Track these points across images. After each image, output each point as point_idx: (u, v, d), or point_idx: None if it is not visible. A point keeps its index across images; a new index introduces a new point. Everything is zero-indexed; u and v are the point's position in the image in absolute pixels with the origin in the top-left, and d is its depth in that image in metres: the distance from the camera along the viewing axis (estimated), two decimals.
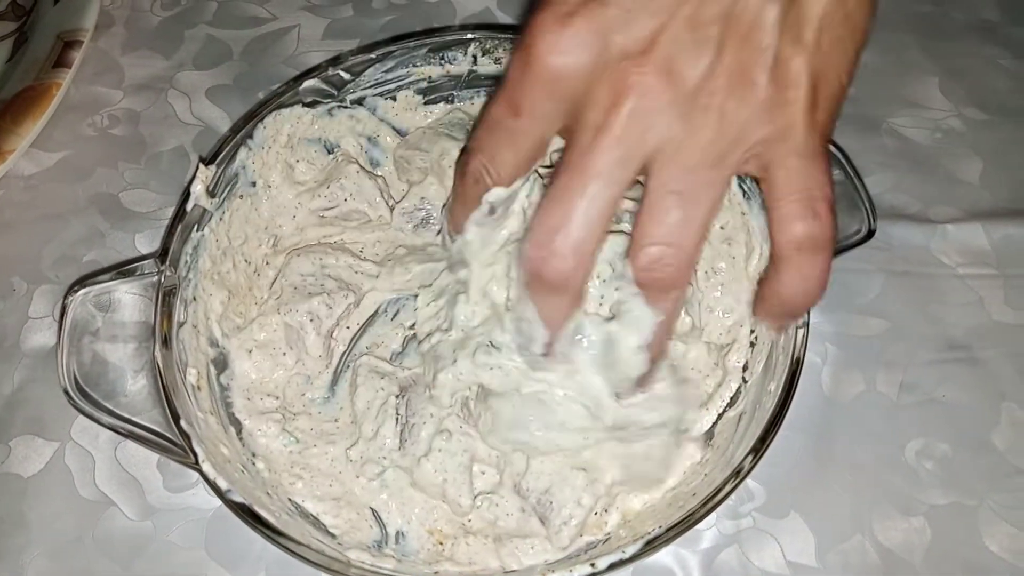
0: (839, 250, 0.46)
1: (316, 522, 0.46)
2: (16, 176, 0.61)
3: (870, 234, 0.47)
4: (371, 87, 0.55)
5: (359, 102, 0.55)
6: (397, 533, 0.46)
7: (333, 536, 0.45)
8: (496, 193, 0.39)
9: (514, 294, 0.40)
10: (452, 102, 0.57)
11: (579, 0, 0.33)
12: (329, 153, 0.56)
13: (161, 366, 0.43)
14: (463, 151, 0.41)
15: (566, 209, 0.34)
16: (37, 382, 0.53)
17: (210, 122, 0.64)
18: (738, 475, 0.39)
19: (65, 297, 0.44)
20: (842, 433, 0.51)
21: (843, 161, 0.48)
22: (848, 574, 0.47)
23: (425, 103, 0.57)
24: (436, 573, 0.44)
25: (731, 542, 0.48)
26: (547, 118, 0.35)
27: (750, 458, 0.40)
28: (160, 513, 0.49)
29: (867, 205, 0.47)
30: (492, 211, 0.40)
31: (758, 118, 0.33)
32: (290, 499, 0.46)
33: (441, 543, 0.46)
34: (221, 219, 0.50)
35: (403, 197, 0.54)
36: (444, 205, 0.47)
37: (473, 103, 0.57)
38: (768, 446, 0.40)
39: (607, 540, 0.45)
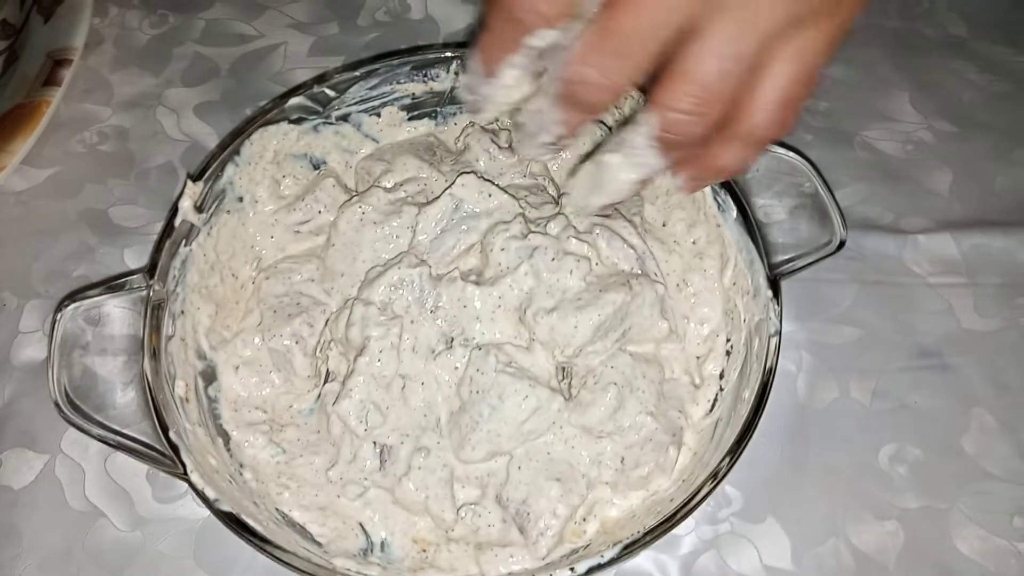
0: (812, 261, 0.48)
1: (303, 531, 0.47)
2: (7, 192, 0.62)
3: (841, 245, 0.48)
4: (356, 104, 0.56)
5: (344, 118, 0.56)
6: (382, 542, 0.47)
7: (319, 544, 0.46)
8: (545, 35, 0.35)
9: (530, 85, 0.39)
10: (435, 118, 0.59)
11: None
12: (315, 169, 0.57)
13: (150, 379, 0.44)
14: None
15: (603, 52, 0.34)
16: (27, 396, 0.54)
17: (198, 138, 0.65)
18: (715, 477, 0.40)
19: (55, 312, 0.45)
20: (817, 439, 0.53)
21: (814, 175, 0.50)
22: None
23: (409, 119, 0.58)
24: None
25: (709, 547, 0.49)
26: None
27: (727, 460, 0.41)
28: (149, 524, 0.50)
29: (838, 218, 0.48)
30: (538, 55, 0.37)
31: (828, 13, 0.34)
32: (277, 508, 0.47)
33: (424, 550, 0.47)
34: (209, 234, 0.51)
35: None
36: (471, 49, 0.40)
37: (456, 123, 0.58)
38: (744, 449, 0.41)
39: (587, 547, 0.46)
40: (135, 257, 0.59)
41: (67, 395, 0.44)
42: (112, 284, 0.46)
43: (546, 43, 0.36)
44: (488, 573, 0.45)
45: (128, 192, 0.63)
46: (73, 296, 0.46)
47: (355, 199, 0.52)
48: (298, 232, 0.55)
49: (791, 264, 0.48)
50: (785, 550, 0.49)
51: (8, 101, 0.62)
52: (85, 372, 0.46)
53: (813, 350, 0.55)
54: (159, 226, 0.60)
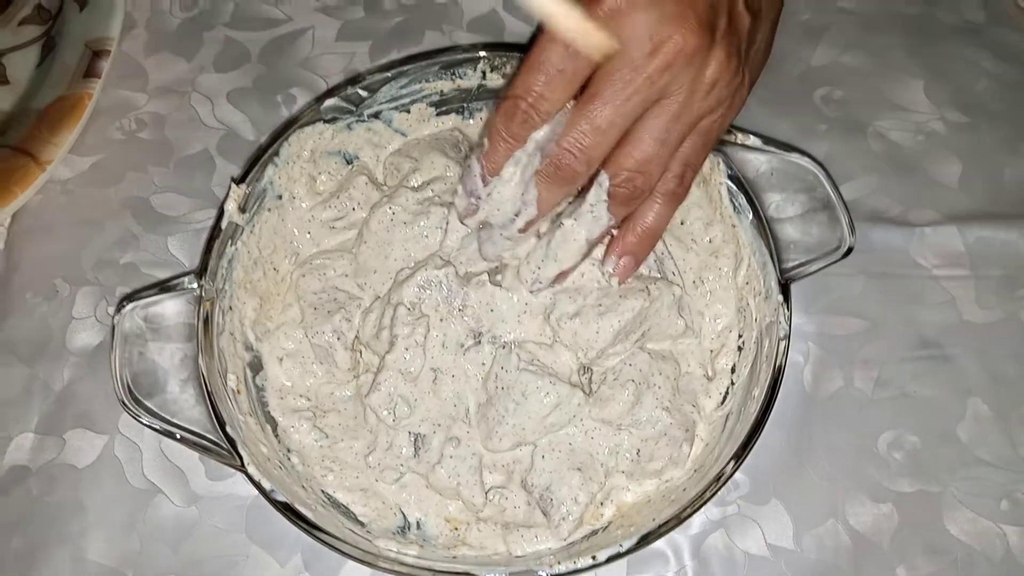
0: (821, 267, 0.51)
1: (346, 511, 0.51)
2: (54, 181, 0.64)
3: (849, 251, 0.51)
4: (387, 102, 0.58)
5: (376, 116, 0.59)
6: (417, 522, 0.52)
7: (362, 524, 0.51)
8: (543, 130, 0.44)
9: (519, 178, 0.47)
10: (462, 113, 0.61)
11: None
12: (348, 163, 0.60)
13: (206, 375, 0.48)
14: (503, 99, 0.45)
15: (598, 129, 0.43)
16: (84, 379, 0.58)
17: (232, 126, 0.67)
18: (719, 480, 0.44)
19: (114, 314, 0.49)
20: (821, 426, 0.56)
21: (826, 180, 0.52)
22: (822, 555, 0.53)
23: (437, 114, 0.60)
24: (455, 557, 0.49)
25: (718, 527, 0.53)
26: (594, 62, 0.42)
27: (732, 464, 0.45)
28: (204, 500, 0.55)
29: (847, 225, 0.51)
30: (533, 148, 0.45)
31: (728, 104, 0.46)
32: (323, 490, 0.51)
33: (456, 529, 0.52)
34: (252, 232, 0.55)
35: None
36: (469, 159, 0.49)
37: (481, 118, 0.61)
38: (748, 453, 0.45)
39: (606, 528, 0.50)
40: (178, 245, 0.62)
41: (131, 392, 0.48)
42: (166, 285, 0.50)
43: (541, 136, 0.45)
44: (514, 551, 0.50)
45: (168, 180, 0.65)
46: (131, 297, 0.49)
47: (385, 200, 0.55)
48: (333, 228, 0.58)
49: (801, 269, 0.51)
50: (788, 530, 0.53)
51: (51, 92, 0.64)
52: (145, 369, 0.49)
53: (820, 341, 0.59)
54: (199, 215, 0.64)
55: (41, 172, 0.61)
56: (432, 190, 0.56)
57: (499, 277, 0.53)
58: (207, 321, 0.50)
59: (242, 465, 0.46)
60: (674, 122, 0.44)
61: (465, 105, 0.61)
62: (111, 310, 0.60)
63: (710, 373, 0.54)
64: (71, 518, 0.54)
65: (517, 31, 0.71)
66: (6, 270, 0.62)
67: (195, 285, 0.50)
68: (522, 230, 0.49)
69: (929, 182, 0.65)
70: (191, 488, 0.55)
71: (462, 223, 0.50)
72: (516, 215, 0.48)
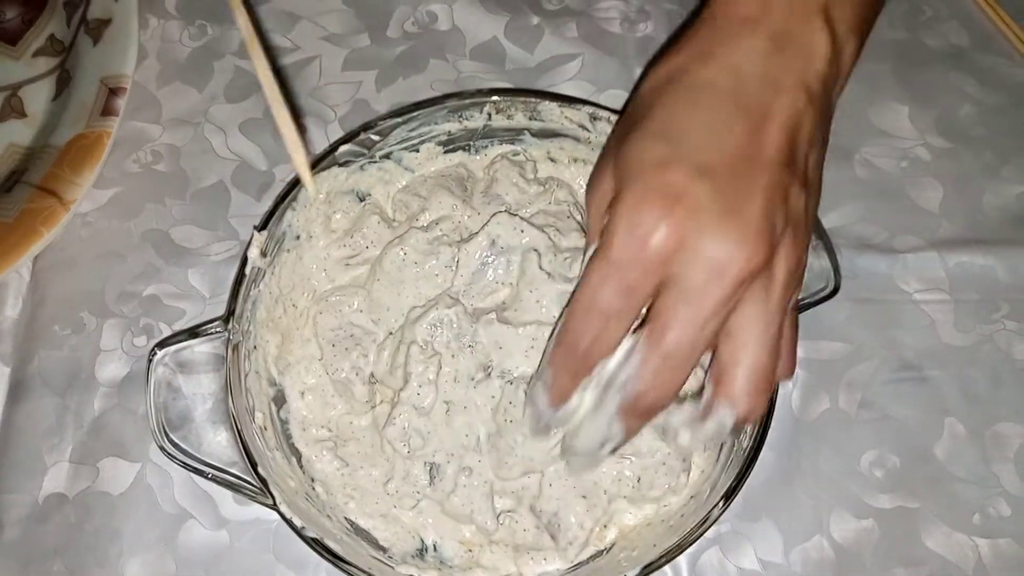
0: (809, 305, 0.55)
1: (368, 537, 0.55)
2: (76, 213, 0.67)
3: (835, 291, 0.54)
4: (398, 143, 0.61)
5: (387, 156, 0.62)
6: (434, 544, 0.56)
7: (384, 549, 0.55)
8: (610, 360, 0.43)
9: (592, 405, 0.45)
10: (468, 150, 0.64)
11: (680, 188, 0.40)
12: (361, 200, 0.63)
13: (237, 418, 0.52)
14: (560, 332, 0.45)
15: (674, 364, 0.42)
16: (115, 409, 0.61)
17: (246, 157, 0.70)
18: (706, 522, 0.48)
19: (148, 363, 0.52)
20: (808, 447, 0.60)
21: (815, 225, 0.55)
22: (808, 568, 0.57)
23: (445, 152, 0.63)
24: None
25: (712, 544, 0.58)
26: (651, 293, 0.41)
27: (720, 504, 0.49)
28: (232, 524, 0.58)
29: (833, 268, 0.54)
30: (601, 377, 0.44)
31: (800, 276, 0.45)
32: (346, 518, 0.55)
33: (471, 550, 0.56)
34: (273, 273, 0.58)
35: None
36: (532, 385, 0.49)
37: (486, 154, 0.64)
38: (737, 493, 0.49)
39: (610, 549, 0.55)
40: (199, 278, 0.65)
41: (166, 434, 0.51)
42: (194, 331, 0.53)
43: (611, 365, 0.43)
44: (525, 573, 0.54)
45: (185, 212, 0.68)
46: (162, 343, 0.53)
47: (396, 241, 0.58)
48: (347, 264, 0.61)
49: None
50: (777, 546, 0.58)
51: (69, 129, 0.66)
52: (178, 412, 0.53)
53: (808, 365, 0.62)
54: (217, 247, 0.66)
55: (66, 212, 0.64)
56: (441, 230, 0.59)
57: (506, 314, 0.56)
58: (236, 365, 0.53)
59: (275, 504, 0.49)
60: (770, 328, 0.42)
61: (471, 143, 0.63)
62: (137, 342, 0.63)
63: None
64: (108, 543, 0.58)
65: (518, 59, 0.74)
66: (33, 304, 0.65)
67: (222, 330, 0.53)
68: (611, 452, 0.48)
69: (912, 208, 0.68)
70: (220, 513, 0.59)
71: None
72: (603, 443, 0.46)
